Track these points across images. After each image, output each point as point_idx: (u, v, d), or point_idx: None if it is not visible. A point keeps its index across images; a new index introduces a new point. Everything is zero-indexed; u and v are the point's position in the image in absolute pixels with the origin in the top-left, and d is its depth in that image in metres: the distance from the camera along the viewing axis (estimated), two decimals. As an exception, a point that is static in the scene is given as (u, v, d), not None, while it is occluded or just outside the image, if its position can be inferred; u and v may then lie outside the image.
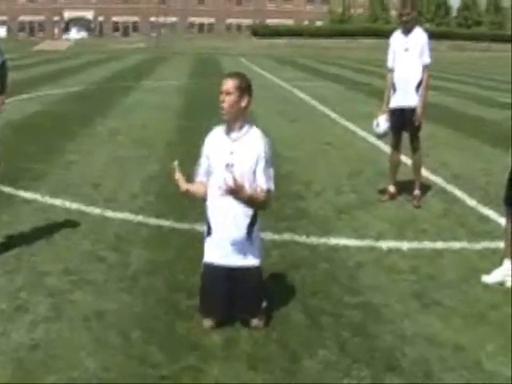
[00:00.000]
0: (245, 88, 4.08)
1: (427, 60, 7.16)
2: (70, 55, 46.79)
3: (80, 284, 4.77)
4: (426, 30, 7.40)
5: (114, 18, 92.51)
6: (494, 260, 5.71)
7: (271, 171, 4.14)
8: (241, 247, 4.12)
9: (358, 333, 4.19)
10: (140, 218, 6.46)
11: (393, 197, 7.59)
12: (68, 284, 4.76)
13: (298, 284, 4.94)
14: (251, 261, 4.15)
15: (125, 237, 5.86)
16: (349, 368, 3.74)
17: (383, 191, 7.76)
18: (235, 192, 3.94)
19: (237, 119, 4.11)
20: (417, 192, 7.49)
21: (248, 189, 3.98)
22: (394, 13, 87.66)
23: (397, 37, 7.29)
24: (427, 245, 6.08)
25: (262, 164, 4.08)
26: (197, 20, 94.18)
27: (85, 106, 15.51)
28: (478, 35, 71.70)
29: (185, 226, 6.25)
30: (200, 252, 5.41)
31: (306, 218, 6.69)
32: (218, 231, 4.13)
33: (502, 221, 6.91)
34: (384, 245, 5.98)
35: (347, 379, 3.62)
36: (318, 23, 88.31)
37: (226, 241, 4.11)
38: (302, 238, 6.06)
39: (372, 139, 11.54)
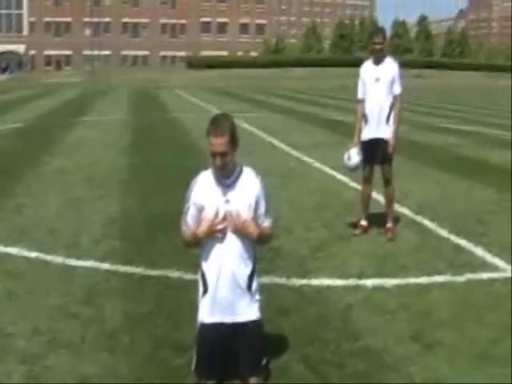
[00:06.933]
0: (234, 137, 3.71)
1: (399, 90, 7.02)
2: (2, 90, 45.47)
3: (54, 346, 4.30)
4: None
5: (46, 52, 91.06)
6: (481, 292, 5.56)
7: (269, 206, 3.90)
8: (241, 302, 3.80)
9: (366, 383, 3.90)
10: (107, 265, 6.01)
11: (365, 230, 7.39)
12: (40, 346, 4.29)
13: (291, 331, 4.62)
14: (252, 315, 3.82)
15: (95, 288, 5.41)
16: (366, 426, 3.44)
17: (354, 225, 7.55)
18: (244, 228, 3.70)
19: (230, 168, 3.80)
20: (390, 225, 7.31)
21: (255, 225, 3.76)
22: (327, 43, 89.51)
23: (367, 67, 7.12)
24: (411, 280, 5.88)
25: (262, 204, 3.83)
26: (130, 53, 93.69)
27: (26, 143, 14.86)
28: (410, 62, 73.74)
29: (157, 272, 5.86)
30: (179, 302, 5.14)
31: (281, 258, 6.39)
32: (217, 288, 3.78)
33: (477, 250, 6.83)
34: (368, 283, 5.75)
35: None
36: (253, 54, 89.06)
37: (225, 297, 3.77)
38: (283, 280, 5.76)
39: (329, 170, 11.44)
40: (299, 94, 41.55)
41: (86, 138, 15.88)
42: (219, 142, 3.63)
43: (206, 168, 3.94)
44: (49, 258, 6.23)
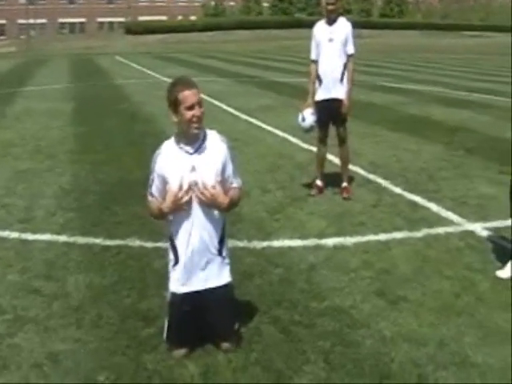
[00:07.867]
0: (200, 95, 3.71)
1: (352, 50, 7.00)
2: None
3: (19, 324, 4.19)
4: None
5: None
6: (439, 247, 5.68)
7: (236, 166, 3.85)
8: (212, 267, 3.76)
9: (337, 341, 3.94)
10: (65, 238, 5.88)
11: (321, 191, 7.43)
12: (5, 325, 4.18)
13: (257, 294, 4.63)
14: (223, 279, 3.80)
15: (55, 262, 5.28)
16: (342, 383, 3.48)
17: (310, 185, 7.58)
18: (213, 200, 3.63)
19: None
20: (345, 184, 7.37)
21: (224, 194, 3.69)
22: (266, 4, 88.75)
23: (320, 27, 7.05)
24: (370, 237, 5.96)
25: (229, 166, 3.77)
26: (67, 20, 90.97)
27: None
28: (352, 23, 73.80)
29: (116, 242, 5.76)
30: (142, 271, 5.08)
31: (241, 221, 6.36)
32: (187, 256, 3.71)
33: (431, 206, 6.95)
34: (328, 242, 5.80)
35: (346, 397, 3.36)
36: (192, 18, 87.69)
37: (196, 264, 3.72)
38: (244, 243, 5.75)
39: (279, 132, 11.42)
40: (241, 56, 41.17)
41: (29, 109, 15.38)
42: (193, 92, 3.64)
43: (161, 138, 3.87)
44: (3, 234, 6.05)
